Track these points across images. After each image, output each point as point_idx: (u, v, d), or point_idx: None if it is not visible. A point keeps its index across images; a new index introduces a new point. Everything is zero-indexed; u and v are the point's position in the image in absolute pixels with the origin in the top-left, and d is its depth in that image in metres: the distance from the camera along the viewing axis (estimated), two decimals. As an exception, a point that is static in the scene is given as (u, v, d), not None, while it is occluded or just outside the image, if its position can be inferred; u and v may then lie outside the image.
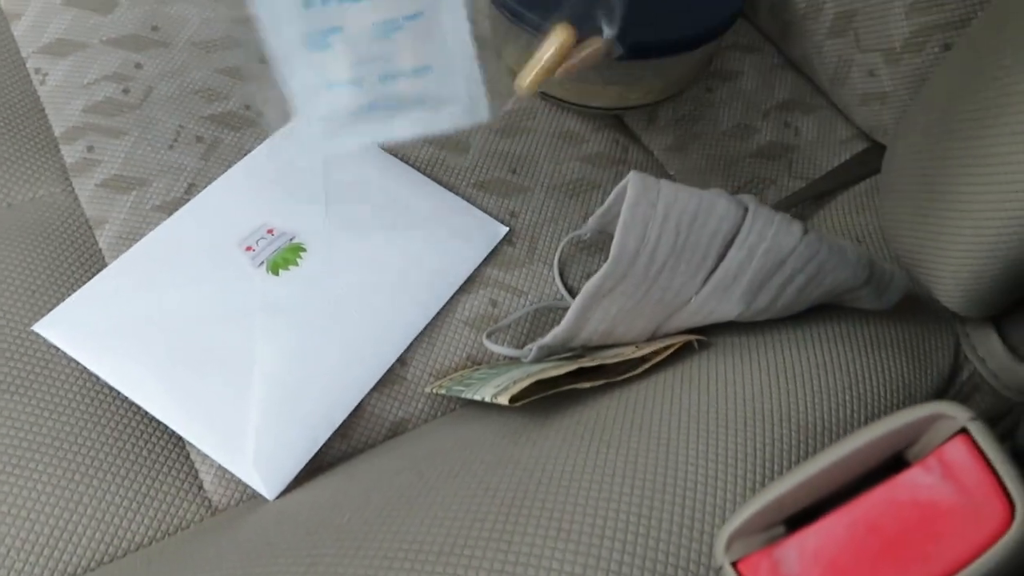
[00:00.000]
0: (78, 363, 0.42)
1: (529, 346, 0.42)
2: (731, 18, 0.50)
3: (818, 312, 0.42)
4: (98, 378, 0.41)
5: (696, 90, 0.59)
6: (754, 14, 0.62)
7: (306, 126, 0.36)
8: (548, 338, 0.41)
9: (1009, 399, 0.44)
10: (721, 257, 0.39)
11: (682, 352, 0.41)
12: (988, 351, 0.44)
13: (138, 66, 0.53)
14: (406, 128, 0.35)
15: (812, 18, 0.56)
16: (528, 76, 0.39)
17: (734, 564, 0.24)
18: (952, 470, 0.22)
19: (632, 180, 0.39)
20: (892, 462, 0.25)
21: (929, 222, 0.41)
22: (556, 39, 0.39)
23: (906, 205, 0.43)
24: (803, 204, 0.54)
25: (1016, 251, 0.36)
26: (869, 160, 0.55)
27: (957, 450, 0.22)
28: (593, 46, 0.40)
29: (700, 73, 0.58)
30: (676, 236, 0.39)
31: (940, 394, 0.42)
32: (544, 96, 0.55)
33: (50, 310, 0.43)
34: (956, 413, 0.22)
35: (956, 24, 0.47)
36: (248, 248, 0.46)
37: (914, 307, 0.45)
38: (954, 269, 0.40)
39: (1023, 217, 0.35)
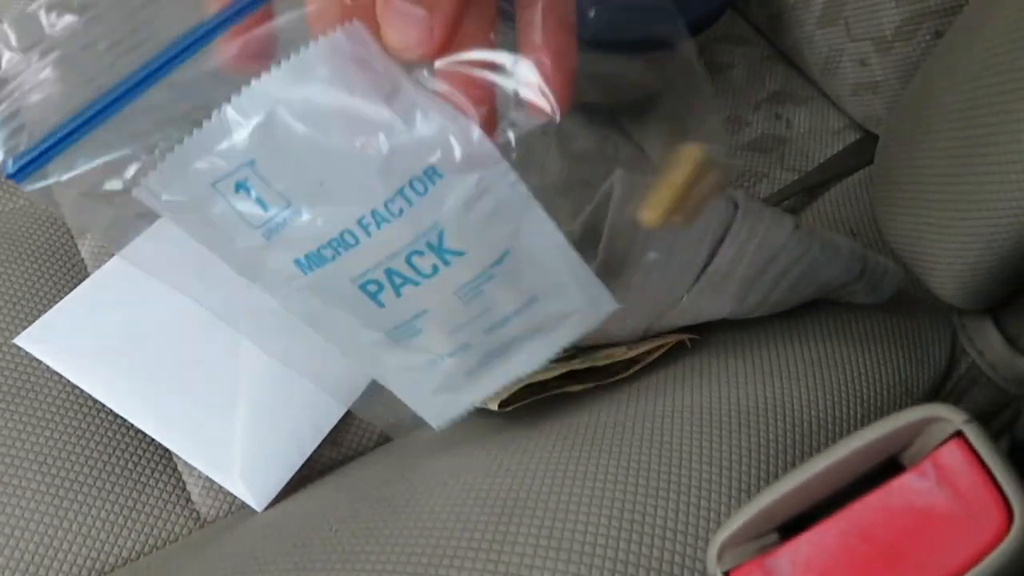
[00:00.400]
0: (61, 376, 0.41)
1: (519, 348, 0.41)
2: (719, 10, 0.50)
3: (811, 308, 0.42)
4: (82, 391, 0.41)
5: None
6: (744, 5, 0.61)
7: (427, 411, 0.31)
8: None
9: (1008, 392, 0.43)
10: (712, 254, 0.39)
11: (674, 351, 0.40)
12: (985, 343, 0.43)
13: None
14: (532, 361, 0.30)
15: (802, 8, 0.55)
16: (659, 206, 0.30)
17: (726, 574, 0.24)
18: (947, 475, 0.21)
19: (619, 180, 0.38)
20: (887, 466, 0.24)
21: (923, 213, 0.40)
22: (690, 159, 0.30)
23: (900, 196, 0.43)
24: (796, 197, 0.53)
25: (1013, 242, 0.36)
26: (862, 151, 0.54)
27: (952, 454, 0.21)
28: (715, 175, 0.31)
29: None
30: (665, 235, 0.38)
31: (938, 388, 0.42)
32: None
33: (32, 322, 0.42)
34: (951, 415, 0.22)
35: (947, 11, 0.47)
36: (233, 254, 0.45)
37: (909, 300, 0.44)
38: (949, 261, 0.39)
39: (1020, 207, 0.34)
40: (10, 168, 0.23)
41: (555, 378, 0.37)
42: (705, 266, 0.39)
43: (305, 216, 0.24)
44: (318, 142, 0.23)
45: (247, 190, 0.24)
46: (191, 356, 0.42)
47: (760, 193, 0.54)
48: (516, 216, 0.25)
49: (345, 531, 0.33)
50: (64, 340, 0.42)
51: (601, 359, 0.39)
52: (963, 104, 0.38)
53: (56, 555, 0.37)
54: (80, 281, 0.44)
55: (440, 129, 0.23)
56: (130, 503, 0.39)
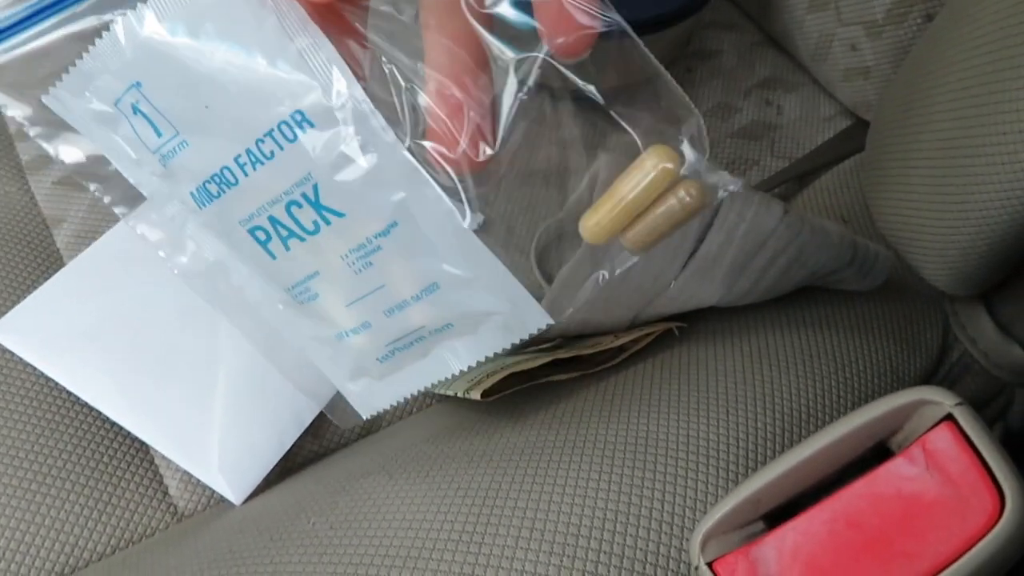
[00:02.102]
0: (34, 368, 0.40)
1: (504, 338, 0.41)
2: None
3: (802, 295, 0.41)
4: (55, 384, 0.40)
5: (675, 70, 0.57)
6: (734, -9, 0.61)
7: (351, 395, 0.31)
8: None
9: (1000, 379, 0.43)
10: (700, 240, 0.38)
11: (662, 339, 0.40)
12: (977, 330, 0.43)
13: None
14: (454, 364, 0.29)
15: (792, -8, 0.54)
16: (595, 218, 0.26)
17: (710, 564, 0.23)
18: (937, 460, 0.20)
19: (603, 164, 0.37)
20: (876, 452, 0.23)
21: (914, 198, 0.40)
22: (655, 160, 0.25)
23: (891, 182, 0.42)
24: (787, 184, 0.53)
25: (1004, 226, 0.35)
26: (853, 137, 0.54)
27: (942, 438, 0.20)
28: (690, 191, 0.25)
29: (678, 53, 0.56)
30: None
31: (929, 376, 0.41)
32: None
33: (4, 313, 0.41)
34: (941, 398, 0.21)
35: (938, -6, 0.46)
36: (212, 244, 0.45)
37: (901, 287, 0.44)
38: (941, 246, 0.38)
39: (1011, 191, 0.33)
40: None
41: (540, 367, 0.36)
42: (693, 252, 0.38)
43: (191, 147, 0.26)
44: (198, 68, 0.24)
45: (143, 115, 0.26)
46: (168, 348, 0.41)
47: (751, 180, 0.53)
48: (399, 184, 0.25)
49: (323, 524, 0.33)
50: (37, 331, 0.41)
51: (587, 347, 0.38)
52: (953, 87, 0.37)
53: (28, 550, 0.36)
54: (55, 271, 0.43)
55: (312, 75, 0.24)
56: (105, 497, 0.38)
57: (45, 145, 0.29)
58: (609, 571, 0.29)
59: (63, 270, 0.43)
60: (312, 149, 0.25)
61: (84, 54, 0.26)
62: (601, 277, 0.29)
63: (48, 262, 0.44)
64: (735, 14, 0.60)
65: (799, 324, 0.40)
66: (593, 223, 0.26)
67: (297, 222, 0.26)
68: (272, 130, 0.25)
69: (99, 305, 0.42)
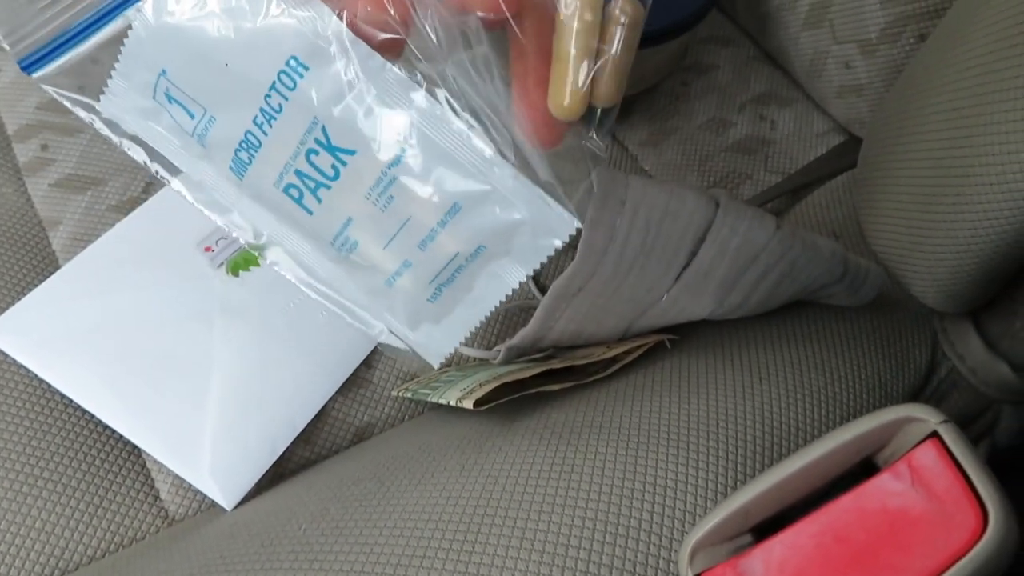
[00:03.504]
0: (27, 370, 0.40)
1: (498, 347, 0.41)
2: (701, 11, 0.49)
3: (792, 309, 0.41)
4: (48, 386, 0.40)
5: (671, 84, 0.58)
6: (731, 7, 0.61)
7: (418, 346, 0.32)
8: (516, 339, 0.40)
9: (987, 396, 0.43)
10: (692, 254, 0.38)
11: (653, 352, 0.40)
12: (966, 347, 0.43)
13: (95, 61, 0.51)
14: (498, 290, 0.29)
15: (788, 9, 0.55)
16: (562, 88, 0.25)
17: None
18: (922, 476, 0.21)
19: (598, 176, 0.37)
20: (862, 467, 0.23)
21: (905, 216, 0.40)
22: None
23: (882, 199, 0.42)
24: (779, 199, 0.53)
25: (994, 245, 0.35)
26: (846, 153, 0.54)
27: (927, 455, 0.21)
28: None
29: (674, 66, 0.57)
30: (646, 232, 0.37)
31: (917, 393, 0.41)
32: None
33: (-1, 314, 0.41)
34: (927, 416, 0.21)
35: (931, 14, 0.46)
36: (207, 248, 0.45)
37: (890, 303, 0.44)
38: (931, 264, 0.39)
39: (1000, 211, 0.34)
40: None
41: (533, 377, 0.37)
42: (685, 265, 0.38)
43: (218, 120, 0.28)
44: (204, 38, 0.26)
45: (176, 102, 0.28)
46: (163, 351, 0.41)
47: (744, 195, 0.54)
48: (400, 104, 0.26)
49: (314, 530, 0.33)
50: (32, 333, 0.41)
51: (580, 358, 0.39)
52: (945, 107, 0.37)
53: (18, 552, 0.36)
54: (50, 273, 0.43)
55: (298, 19, 0.25)
56: (96, 500, 0.38)
57: (114, 138, 0.30)
58: (598, 581, 0.29)
59: (59, 272, 0.43)
60: (313, 93, 0.26)
61: (119, 55, 0.28)
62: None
63: (44, 264, 0.44)
64: (731, 30, 0.61)
65: (789, 339, 0.40)
66: (561, 97, 0.26)
67: (319, 170, 0.27)
68: (275, 82, 0.26)
69: (95, 308, 0.42)
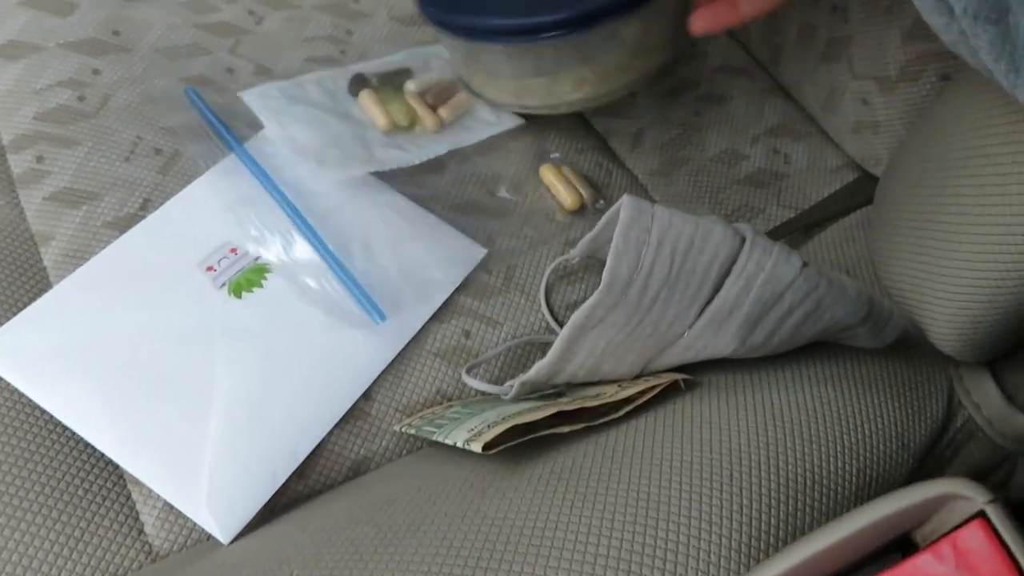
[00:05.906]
0: (12, 391, 0.38)
1: (510, 382, 0.39)
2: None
3: (810, 350, 0.40)
4: (32, 409, 0.38)
5: (683, 113, 0.57)
6: (744, 35, 0.60)
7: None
8: (531, 373, 0.38)
9: (1004, 448, 0.42)
10: (717, 288, 0.37)
11: (667, 393, 0.39)
12: (983, 397, 0.42)
13: (96, 72, 0.49)
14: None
15: (805, 42, 0.54)
16: None
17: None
18: (968, 560, 0.19)
19: (625, 203, 0.36)
20: (898, 542, 0.22)
21: (925, 262, 0.39)
22: None
23: (901, 242, 0.41)
24: (792, 236, 0.52)
25: (1020, 297, 0.34)
26: (859, 191, 0.53)
27: (975, 537, 0.19)
28: None
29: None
30: (671, 264, 0.36)
31: (934, 443, 0.40)
32: (474, 95, 0.52)
33: (-14, 334, 0.40)
34: (974, 494, 0.20)
35: (955, 53, 0.45)
36: (209, 268, 0.43)
37: (907, 347, 0.43)
38: (951, 313, 0.37)
39: (1025, 260, 0.33)
40: None
41: (543, 419, 0.35)
42: (709, 300, 0.37)
43: None
44: None
45: None
46: (160, 373, 0.39)
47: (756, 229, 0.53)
48: None
49: (307, 577, 0.31)
50: (21, 353, 0.39)
51: (591, 398, 0.37)
52: (972, 150, 0.36)
53: (-7, 587, 0.34)
54: (41, 291, 0.42)
55: None
56: (77, 533, 0.36)
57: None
58: (607, 644, 0.27)
59: (53, 290, 0.41)
60: None
61: None
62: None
63: (34, 280, 0.43)
64: (745, 59, 0.60)
65: (806, 382, 0.39)
66: None
67: None
68: None
69: (87, 328, 0.40)
